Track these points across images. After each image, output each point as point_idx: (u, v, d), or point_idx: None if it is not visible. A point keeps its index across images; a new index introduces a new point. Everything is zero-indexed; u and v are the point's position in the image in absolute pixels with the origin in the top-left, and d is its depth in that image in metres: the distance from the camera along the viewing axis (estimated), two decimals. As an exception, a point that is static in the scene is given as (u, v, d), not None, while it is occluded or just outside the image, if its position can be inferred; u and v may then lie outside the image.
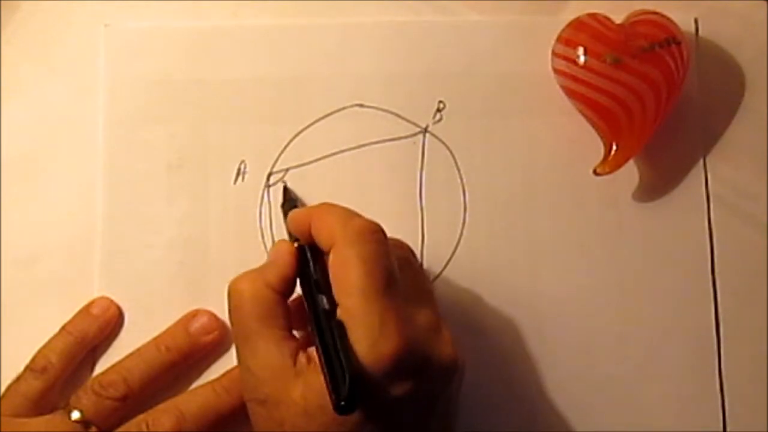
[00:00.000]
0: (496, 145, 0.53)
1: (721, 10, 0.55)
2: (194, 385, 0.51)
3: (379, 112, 0.54)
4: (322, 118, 0.53)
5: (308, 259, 0.44)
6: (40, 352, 0.50)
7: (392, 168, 0.53)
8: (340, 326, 0.40)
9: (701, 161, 0.53)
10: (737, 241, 0.52)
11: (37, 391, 0.49)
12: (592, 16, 0.52)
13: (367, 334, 0.40)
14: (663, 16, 0.52)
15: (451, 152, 0.53)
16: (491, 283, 0.52)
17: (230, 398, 0.49)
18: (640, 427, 0.51)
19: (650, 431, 0.51)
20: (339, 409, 0.38)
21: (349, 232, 0.42)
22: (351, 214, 0.44)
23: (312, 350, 0.42)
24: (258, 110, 0.54)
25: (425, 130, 0.53)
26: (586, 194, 0.53)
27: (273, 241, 0.52)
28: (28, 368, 0.49)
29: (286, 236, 0.50)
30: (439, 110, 0.54)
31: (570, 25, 0.52)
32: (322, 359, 0.40)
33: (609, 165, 0.51)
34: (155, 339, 0.50)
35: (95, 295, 0.52)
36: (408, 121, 0.53)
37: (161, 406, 0.48)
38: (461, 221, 0.53)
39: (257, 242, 0.52)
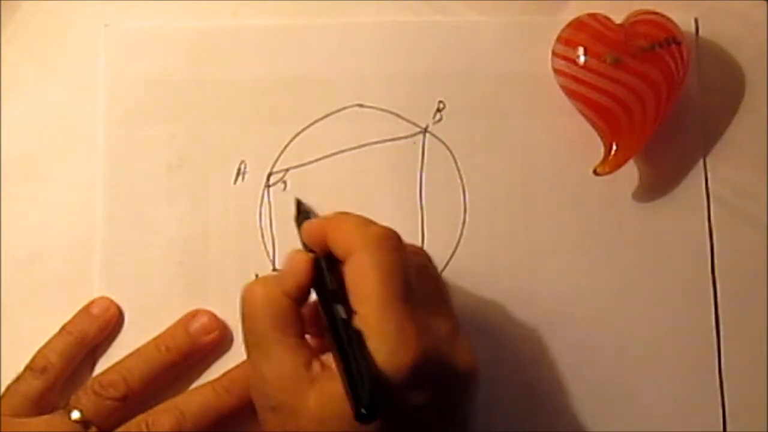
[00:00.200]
0: (496, 145, 0.53)
1: (721, 10, 0.55)
2: (194, 385, 0.51)
3: (379, 112, 0.54)
4: (322, 118, 0.53)
5: (323, 269, 0.44)
6: (40, 352, 0.50)
7: (392, 168, 0.53)
8: (358, 334, 0.40)
9: (701, 161, 0.53)
10: (737, 241, 0.52)
11: (37, 391, 0.49)
12: (592, 16, 0.52)
13: (385, 342, 0.40)
14: (663, 16, 0.52)
15: (451, 152, 0.53)
16: (491, 283, 0.52)
17: (230, 398, 0.49)
18: (640, 427, 0.51)
19: (650, 431, 0.51)
20: (360, 416, 0.38)
21: (366, 240, 0.42)
22: (367, 222, 0.43)
23: (326, 358, 0.42)
24: (258, 110, 0.54)
25: (425, 130, 0.53)
26: (586, 194, 0.53)
27: (273, 241, 0.52)
28: (28, 368, 0.49)
29: (287, 237, 0.50)
30: (439, 110, 0.54)
31: (570, 25, 0.52)
32: (342, 367, 0.39)
33: (609, 165, 0.51)
34: (155, 339, 0.50)
35: (95, 295, 0.52)
36: (408, 121, 0.53)
37: (161, 406, 0.48)
38: (461, 221, 0.53)
39: (257, 242, 0.52)
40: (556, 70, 0.52)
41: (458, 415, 0.42)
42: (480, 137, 0.53)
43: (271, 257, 0.52)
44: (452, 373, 0.41)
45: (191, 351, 0.50)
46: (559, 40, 0.52)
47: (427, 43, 0.54)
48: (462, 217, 0.53)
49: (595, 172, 0.51)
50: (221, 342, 0.51)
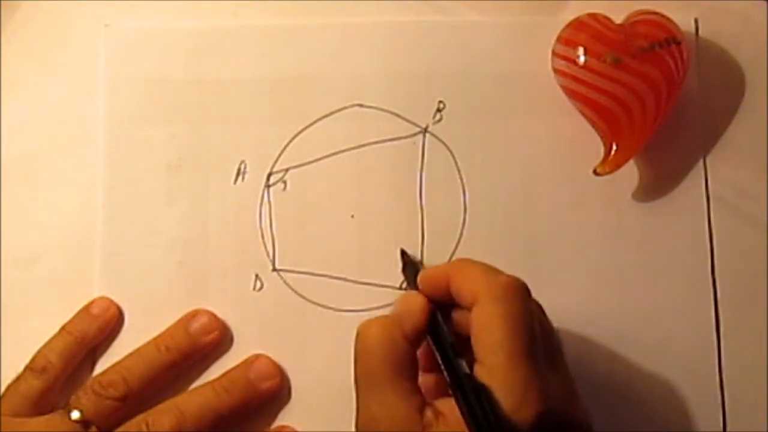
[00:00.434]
0: (496, 145, 0.53)
1: (721, 10, 0.55)
2: (194, 385, 0.51)
3: (379, 112, 0.54)
4: (322, 118, 0.53)
5: (437, 317, 0.44)
6: (40, 352, 0.50)
7: (392, 168, 0.53)
8: (486, 390, 0.39)
9: (701, 161, 0.53)
10: (737, 241, 0.52)
11: (37, 391, 0.49)
12: (592, 16, 0.52)
13: (510, 396, 0.39)
14: (663, 16, 0.52)
15: (451, 152, 0.53)
16: (491, 283, 0.52)
17: (230, 398, 0.49)
18: (640, 427, 0.51)
19: (650, 431, 0.51)
20: None
21: (495, 289, 0.41)
22: (494, 270, 0.43)
23: (439, 405, 0.41)
24: (258, 110, 0.54)
25: (425, 130, 0.53)
26: (586, 194, 0.53)
27: (273, 241, 0.52)
28: (28, 368, 0.49)
29: (287, 237, 0.50)
30: (439, 110, 0.54)
31: (570, 25, 0.52)
32: (470, 422, 0.39)
33: (609, 165, 0.51)
34: (155, 339, 0.50)
35: (95, 295, 0.52)
36: (408, 121, 0.53)
37: (161, 406, 0.48)
38: (461, 221, 0.53)
39: (257, 242, 0.52)
40: (556, 70, 0.52)
41: None
42: (480, 137, 0.53)
43: (271, 257, 0.52)
44: (570, 431, 0.41)
45: (191, 351, 0.50)
46: (559, 40, 0.52)
47: (427, 43, 0.54)
48: (462, 217, 0.53)
49: (595, 172, 0.51)
50: (221, 342, 0.51)
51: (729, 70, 0.54)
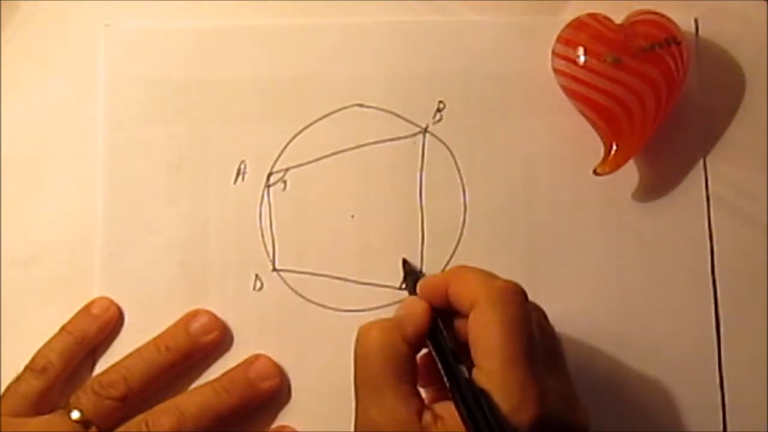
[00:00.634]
0: (496, 145, 0.53)
1: (721, 10, 0.55)
2: (194, 385, 0.51)
3: (379, 112, 0.54)
4: (322, 118, 0.53)
5: (438, 323, 0.44)
6: (40, 352, 0.50)
7: (392, 168, 0.53)
8: (485, 394, 0.40)
9: (701, 161, 0.53)
10: (737, 241, 0.52)
11: (37, 391, 0.49)
12: (592, 16, 0.52)
13: (508, 399, 0.40)
14: (663, 16, 0.52)
15: (451, 152, 0.53)
16: (491, 283, 0.52)
17: (230, 398, 0.49)
18: (640, 427, 0.51)
19: (650, 431, 0.51)
20: None
21: (492, 293, 0.42)
22: (491, 276, 0.43)
23: (438, 408, 0.41)
24: (258, 110, 0.54)
25: (425, 130, 0.53)
26: (586, 194, 0.53)
27: (273, 241, 0.52)
28: (28, 368, 0.49)
29: (287, 237, 0.49)
30: (439, 110, 0.54)
31: (570, 25, 0.52)
32: (468, 425, 0.39)
33: (609, 165, 0.51)
34: (155, 339, 0.50)
35: (95, 295, 0.52)
36: (408, 121, 0.53)
37: (161, 406, 0.48)
38: (461, 221, 0.53)
39: (257, 242, 0.52)
40: (556, 70, 0.52)
41: None
42: (480, 137, 0.53)
43: (271, 257, 0.52)
44: None
45: (191, 351, 0.50)
46: (559, 40, 0.52)
47: (427, 43, 0.54)
48: (462, 217, 0.53)
49: (595, 172, 0.51)
50: (221, 342, 0.51)
51: (729, 70, 0.54)
